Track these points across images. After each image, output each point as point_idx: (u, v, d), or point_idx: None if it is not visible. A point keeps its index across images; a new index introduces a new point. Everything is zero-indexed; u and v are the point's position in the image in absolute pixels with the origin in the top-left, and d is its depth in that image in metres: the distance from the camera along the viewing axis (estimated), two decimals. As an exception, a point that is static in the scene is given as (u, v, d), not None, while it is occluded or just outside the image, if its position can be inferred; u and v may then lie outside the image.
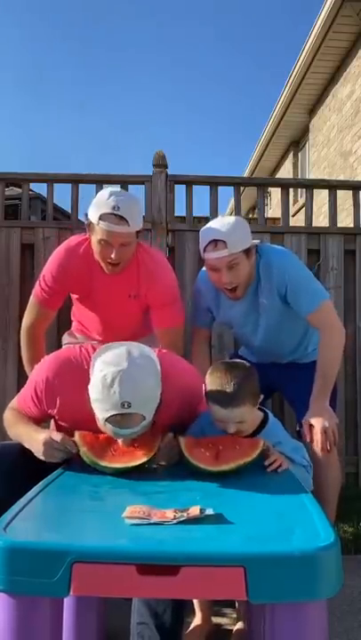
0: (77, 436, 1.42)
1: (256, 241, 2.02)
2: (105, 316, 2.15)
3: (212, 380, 1.51)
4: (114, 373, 1.36)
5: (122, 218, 1.88)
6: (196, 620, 1.62)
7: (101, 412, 1.38)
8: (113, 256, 1.92)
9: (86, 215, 1.98)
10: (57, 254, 2.12)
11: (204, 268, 2.17)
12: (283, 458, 1.45)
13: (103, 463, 1.36)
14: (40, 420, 1.63)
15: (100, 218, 1.89)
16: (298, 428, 2.04)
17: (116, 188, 2.02)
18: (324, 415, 1.90)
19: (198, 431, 1.58)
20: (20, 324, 2.95)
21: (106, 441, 1.43)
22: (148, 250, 2.16)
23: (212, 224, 1.95)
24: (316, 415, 1.90)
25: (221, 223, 1.92)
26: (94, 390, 1.39)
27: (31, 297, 2.21)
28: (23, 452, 1.59)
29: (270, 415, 1.62)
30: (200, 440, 1.44)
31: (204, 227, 1.99)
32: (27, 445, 1.52)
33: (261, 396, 1.58)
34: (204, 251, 1.93)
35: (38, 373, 1.61)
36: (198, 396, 1.58)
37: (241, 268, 1.91)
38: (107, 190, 1.95)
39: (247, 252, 1.92)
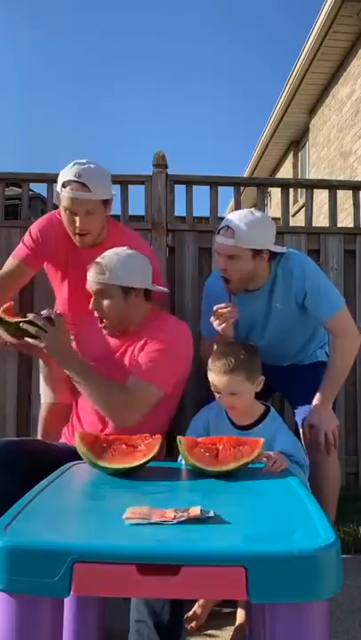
0: (77, 436, 1.42)
1: (282, 248, 1.99)
2: (82, 297, 2.02)
3: (213, 353, 1.64)
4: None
5: (84, 185, 1.90)
6: (195, 606, 1.66)
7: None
8: (78, 224, 1.93)
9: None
10: (46, 218, 2.15)
11: (212, 275, 2.17)
12: (282, 457, 1.45)
13: (103, 463, 1.36)
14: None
15: (63, 185, 1.92)
16: (296, 429, 2.05)
17: (83, 159, 1.98)
18: (325, 417, 1.90)
19: (204, 421, 1.63)
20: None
21: (106, 441, 1.43)
22: (120, 227, 2.17)
23: (236, 212, 1.94)
24: (317, 417, 1.90)
25: (244, 215, 1.90)
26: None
27: (13, 252, 2.19)
28: (27, 449, 1.60)
29: (272, 409, 1.65)
30: (200, 440, 1.44)
31: (233, 212, 1.98)
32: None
33: (262, 378, 1.62)
34: (218, 232, 1.93)
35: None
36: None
37: (240, 263, 1.88)
38: (73, 162, 1.97)
39: (256, 252, 1.89)
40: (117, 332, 1.83)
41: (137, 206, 3.14)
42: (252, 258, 1.88)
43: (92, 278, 1.77)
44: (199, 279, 2.96)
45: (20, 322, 1.73)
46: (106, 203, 1.98)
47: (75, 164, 1.93)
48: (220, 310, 1.85)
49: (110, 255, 1.78)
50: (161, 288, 1.90)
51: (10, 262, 2.16)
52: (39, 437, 2.06)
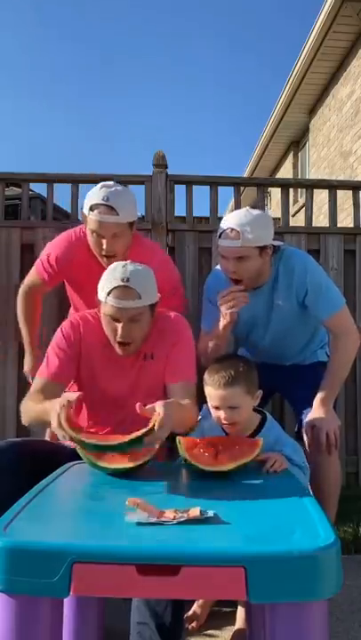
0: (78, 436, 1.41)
1: (280, 242, 2.00)
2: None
3: (210, 368, 1.58)
4: (120, 262, 1.69)
5: (111, 208, 1.91)
6: (194, 606, 1.65)
7: (104, 289, 1.65)
8: (105, 247, 1.93)
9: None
10: (65, 239, 2.17)
11: (212, 272, 2.16)
12: (282, 457, 1.45)
13: (102, 464, 1.36)
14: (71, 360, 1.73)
15: (91, 208, 1.93)
16: (296, 429, 2.04)
17: (110, 182, 2.01)
18: (327, 417, 1.90)
19: (199, 434, 1.58)
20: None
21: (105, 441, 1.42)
22: (143, 241, 2.18)
23: (235, 213, 1.93)
24: (319, 417, 1.90)
25: (244, 214, 1.89)
26: (102, 278, 1.67)
27: (34, 266, 2.25)
28: (30, 450, 1.59)
29: (268, 415, 1.63)
30: (199, 440, 1.44)
31: (229, 214, 1.97)
32: (43, 414, 1.54)
33: (260, 392, 1.59)
34: (219, 236, 1.91)
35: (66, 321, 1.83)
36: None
37: (250, 263, 1.89)
38: (100, 184, 1.99)
39: (262, 249, 1.89)
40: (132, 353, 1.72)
41: (137, 206, 3.14)
42: (259, 255, 1.90)
43: (123, 305, 1.62)
44: (199, 279, 2.96)
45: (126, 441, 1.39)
46: (132, 225, 1.99)
47: (102, 187, 1.94)
48: (233, 292, 1.85)
49: (140, 278, 1.66)
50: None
51: (34, 275, 2.25)
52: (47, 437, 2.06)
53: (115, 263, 1.70)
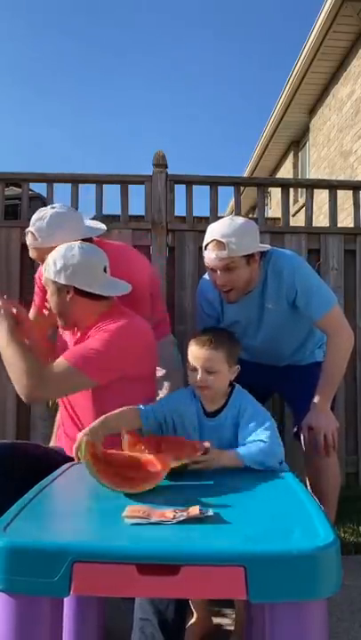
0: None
1: (267, 246, 1.99)
2: None
3: (196, 332, 1.66)
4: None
5: (32, 234, 1.96)
6: (193, 619, 1.62)
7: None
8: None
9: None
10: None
11: (202, 279, 2.16)
12: (217, 458, 1.42)
13: (110, 486, 1.24)
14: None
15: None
16: (295, 430, 2.04)
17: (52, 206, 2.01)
18: (325, 418, 1.90)
19: (175, 405, 1.59)
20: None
21: (113, 460, 1.35)
22: (110, 245, 2.09)
23: (218, 224, 1.91)
24: (316, 418, 1.89)
25: (228, 224, 1.88)
26: None
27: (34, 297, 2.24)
28: (25, 453, 1.60)
29: (237, 386, 1.62)
30: (143, 439, 1.44)
31: (212, 224, 1.95)
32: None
33: (237, 367, 1.58)
34: (205, 248, 1.90)
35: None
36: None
37: (238, 272, 1.88)
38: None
39: (249, 257, 1.88)
40: (69, 329, 1.82)
41: (137, 206, 3.15)
42: (246, 264, 1.89)
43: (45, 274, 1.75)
44: (199, 279, 2.96)
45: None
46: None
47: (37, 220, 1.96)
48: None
49: (65, 253, 1.73)
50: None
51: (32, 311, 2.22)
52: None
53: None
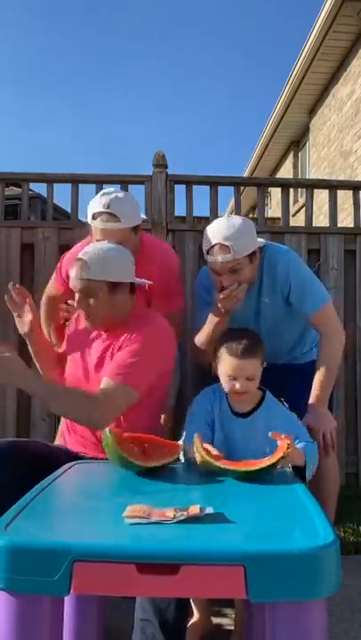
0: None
1: (261, 240, 1.99)
2: None
3: (225, 338, 1.62)
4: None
5: (113, 215, 1.90)
6: (194, 619, 1.62)
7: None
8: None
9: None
10: (76, 249, 2.14)
11: (202, 270, 2.16)
12: (300, 454, 1.46)
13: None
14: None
15: (93, 217, 1.93)
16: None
17: (110, 188, 2.01)
18: (322, 418, 1.90)
19: (206, 413, 1.60)
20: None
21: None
22: (148, 241, 2.16)
23: (217, 225, 1.89)
24: (314, 418, 1.89)
25: (227, 226, 1.86)
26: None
27: (53, 275, 2.24)
28: (28, 451, 1.60)
29: (267, 392, 1.64)
30: (128, 436, 1.45)
31: (210, 226, 1.93)
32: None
33: (265, 363, 1.63)
34: (207, 252, 1.89)
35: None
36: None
37: (243, 272, 1.88)
38: (101, 192, 1.99)
39: (251, 255, 1.89)
40: (102, 329, 1.78)
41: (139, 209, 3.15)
42: (250, 262, 1.89)
43: (76, 275, 1.71)
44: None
45: None
46: (136, 229, 1.98)
47: (103, 195, 1.94)
48: (233, 292, 1.85)
49: (94, 251, 1.74)
50: (143, 281, 1.85)
51: (52, 283, 2.24)
52: None
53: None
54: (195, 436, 1.45)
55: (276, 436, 1.40)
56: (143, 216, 2.06)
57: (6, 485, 1.38)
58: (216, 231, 1.87)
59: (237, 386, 1.55)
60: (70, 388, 1.75)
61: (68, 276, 1.91)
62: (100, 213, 1.91)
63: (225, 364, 1.57)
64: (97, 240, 1.92)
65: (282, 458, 1.35)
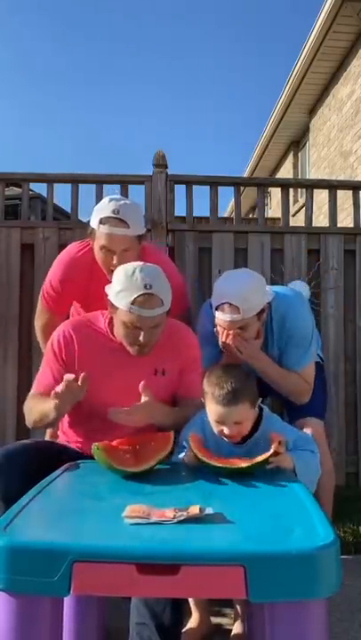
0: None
1: (270, 296, 1.95)
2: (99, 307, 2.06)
3: (211, 381, 1.52)
4: (134, 266, 1.62)
5: (122, 220, 1.88)
6: (192, 620, 1.61)
7: (126, 298, 1.57)
8: (115, 262, 1.87)
9: (88, 222, 1.99)
10: (61, 262, 2.13)
11: (204, 308, 2.13)
12: (289, 460, 1.45)
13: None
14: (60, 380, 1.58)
15: (101, 222, 1.90)
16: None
17: (117, 195, 2.02)
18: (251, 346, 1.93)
19: (199, 429, 1.57)
20: (20, 324, 2.96)
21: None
22: (149, 248, 2.15)
23: (228, 283, 1.88)
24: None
25: (239, 285, 1.85)
26: (117, 283, 1.61)
27: (39, 303, 2.22)
28: (37, 450, 1.59)
29: (265, 410, 1.60)
30: (117, 444, 1.46)
31: (219, 281, 1.93)
32: (43, 415, 1.61)
33: (260, 399, 1.58)
34: (216, 309, 1.89)
35: (56, 331, 1.77)
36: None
37: (251, 329, 1.89)
38: (107, 197, 1.98)
39: (259, 312, 1.89)
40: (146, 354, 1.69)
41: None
42: (258, 320, 1.90)
43: (149, 314, 1.59)
44: (199, 279, 2.97)
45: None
46: (140, 237, 1.97)
47: (111, 200, 1.93)
48: (232, 342, 1.88)
49: (160, 283, 1.64)
50: None
51: (42, 311, 2.21)
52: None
53: (129, 267, 1.63)
54: (189, 436, 1.45)
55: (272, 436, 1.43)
56: (148, 226, 2.04)
57: (20, 484, 1.35)
58: (226, 289, 1.87)
59: (226, 431, 1.48)
60: (170, 408, 1.70)
61: (62, 294, 2.01)
62: (109, 219, 1.89)
63: (210, 410, 1.51)
64: (101, 245, 1.91)
65: (272, 455, 1.36)
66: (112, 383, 1.67)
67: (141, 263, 1.65)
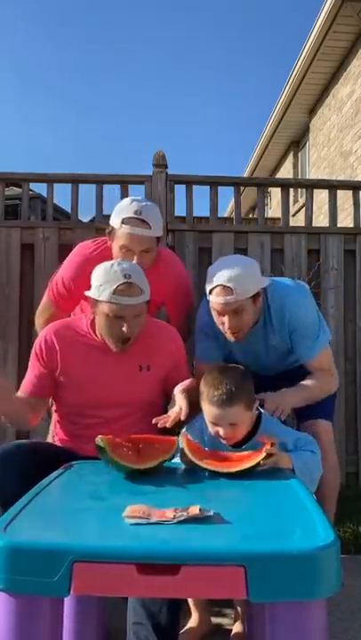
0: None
1: (266, 281, 1.95)
2: None
3: (207, 382, 1.52)
4: (112, 262, 1.71)
5: (143, 221, 1.90)
6: (192, 620, 1.61)
7: (107, 289, 1.64)
8: (135, 262, 1.86)
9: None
10: (74, 261, 2.12)
11: (203, 303, 2.13)
12: (288, 459, 1.44)
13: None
14: (46, 378, 1.76)
15: (123, 222, 1.91)
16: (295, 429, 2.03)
17: (138, 197, 2.05)
18: (282, 397, 1.83)
19: (198, 432, 1.57)
20: (20, 324, 2.96)
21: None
22: (162, 253, 2.15)
23: (220, 266, 1.88)
24: (275, 394, 1.82)
25: (231, 268, 1.84)
26: (97, 279, 1.67)
27: (45, 297, 2.21)
28: (34, 451, 1.60)
29: (263, 413, 1.60)
30: (122, 439, 1.44)
31: (213, 266, 1.93)
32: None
33: (257, 402, 1.58)
34: (210, 292, 1.87)
35: (38, 338, 1.82)
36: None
37: (246, 313, 1.87)
38: (129, 198, 2.00)
39: (254, 296, 1.87)
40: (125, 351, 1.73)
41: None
42: (253, 304, 1.88)
43: (131, 301, 1.65)
44: (199, 279, 2.96)
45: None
46: (159, 239, 2.00)
47: (133, 201, 1.94)
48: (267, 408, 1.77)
49: (139, 274, 1.71)
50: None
51: (46, 306, 2.20)
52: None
53: (107, 264, 1.71)
54: (181, 436, 1.45)
55: (262, 439, 1.42)
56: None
57: (16, 485, 1.35)
58: (219, 272, 1.85)
59: (221, 432, 1.48)
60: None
61: (74, 293, 2.01)
62: (131, 219, 1.90)
63: (206, 411, 1.51)
64: (121, 245, 1.92)
65: (265, 457, 1.36)
66: (97, 382, 1.72)
67: (118, 259, 1.78)
